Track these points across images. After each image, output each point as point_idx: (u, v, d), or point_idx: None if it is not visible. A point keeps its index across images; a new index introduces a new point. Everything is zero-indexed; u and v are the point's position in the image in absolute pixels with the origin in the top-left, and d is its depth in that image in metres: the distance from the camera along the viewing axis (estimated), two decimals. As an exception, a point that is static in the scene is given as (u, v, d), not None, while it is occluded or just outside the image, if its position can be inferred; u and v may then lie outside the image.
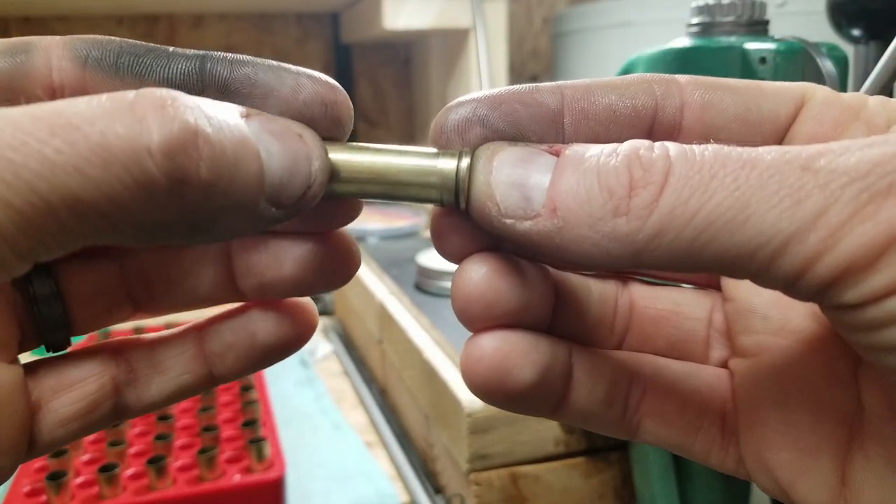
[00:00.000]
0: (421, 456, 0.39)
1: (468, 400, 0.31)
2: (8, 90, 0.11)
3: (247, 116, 0.10)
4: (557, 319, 0.14)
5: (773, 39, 0.27)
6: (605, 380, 0.13)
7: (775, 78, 0.26)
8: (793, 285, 0.10)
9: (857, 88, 0.24)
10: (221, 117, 0.09)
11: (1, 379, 0.12)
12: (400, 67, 0.89)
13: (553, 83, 0.13)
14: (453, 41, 0.68)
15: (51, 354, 0.14)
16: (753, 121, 0.13)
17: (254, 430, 0.35)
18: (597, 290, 0.14)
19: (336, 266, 0.14)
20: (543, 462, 0.32)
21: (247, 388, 0.40)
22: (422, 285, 0.44)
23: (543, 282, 0.13)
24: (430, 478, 0.37)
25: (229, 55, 0.12)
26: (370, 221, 0.65)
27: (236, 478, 0.32)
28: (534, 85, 0.12)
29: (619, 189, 0.10)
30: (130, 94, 0.09)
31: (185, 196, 0.09)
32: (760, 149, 0.10)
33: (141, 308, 0.14)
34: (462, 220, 0.12)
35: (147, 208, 0.09)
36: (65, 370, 0.13)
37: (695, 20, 0.29)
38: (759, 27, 0.28)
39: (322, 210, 0.12)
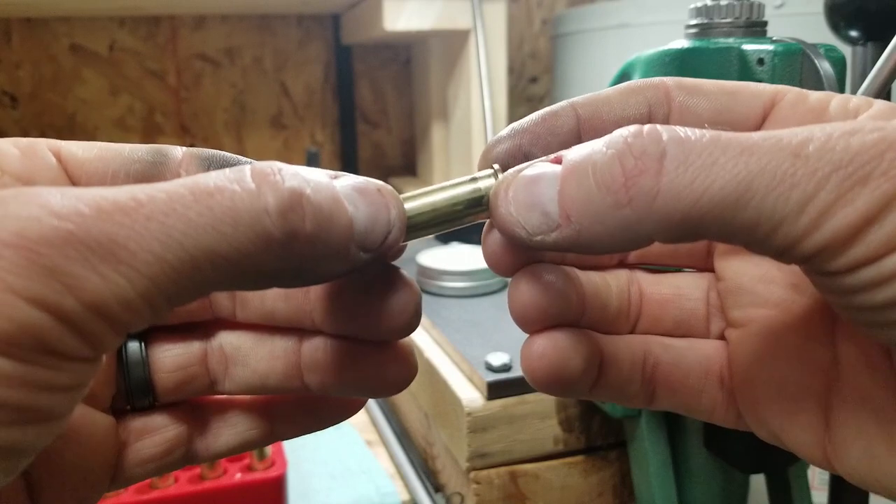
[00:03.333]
0: (421, 454, 0.39)
1: (468, 399, 0.31)
2: (144, 179, 0.14)
3: (335, 178, 0.12)
4: (587, 314, 0.16)
5: (771, 41, 0.27)
6: (627, 361, 0.16)
7: (773, 79, 0.26)
8: (783, 254, 0.11)
9: (856, 89, 0.25)
10: (317, 180, 0.11)
11: (97, 424, 0.14)
12: (400, 68, 0.89)
13: (566, 103, 0.15)
14: (453, 42, 0.68)
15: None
16: (724, 122, 0.14)
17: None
18: (615, 285, 0.16)
19: (395, 375, 0.15)
20: (542, 460, 0.32)
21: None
22: (422, 285, 0.45)
23: (576, 285, 0.15)
24: (430, 476, 0.37)
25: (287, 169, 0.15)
26: None
27: (237, 476, 0.32)
28: (552, 111, 0.15)
29: (613, 183, 0.11)
30: (247, 168, 0.11)
31: (295, 246, 0.11)
32: (755, 135, 0.11)
33: (217, 387, 0.16)
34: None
35: (266, 258, 0.11)
36: (150, 417, 0.15)
37: (693, 21, 0.29)
38: (757, 28, 0.28)
39: (379, 320, 0.14)
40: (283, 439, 0.17)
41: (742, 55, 0.27)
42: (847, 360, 0.14)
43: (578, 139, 0.14)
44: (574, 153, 0.12)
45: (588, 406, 0.32)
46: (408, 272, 0.15)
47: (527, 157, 0.14)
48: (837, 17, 0.34)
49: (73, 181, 0.14)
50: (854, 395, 0.13)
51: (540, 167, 0.13)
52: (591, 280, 0.16)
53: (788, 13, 0.50)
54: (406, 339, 0.15)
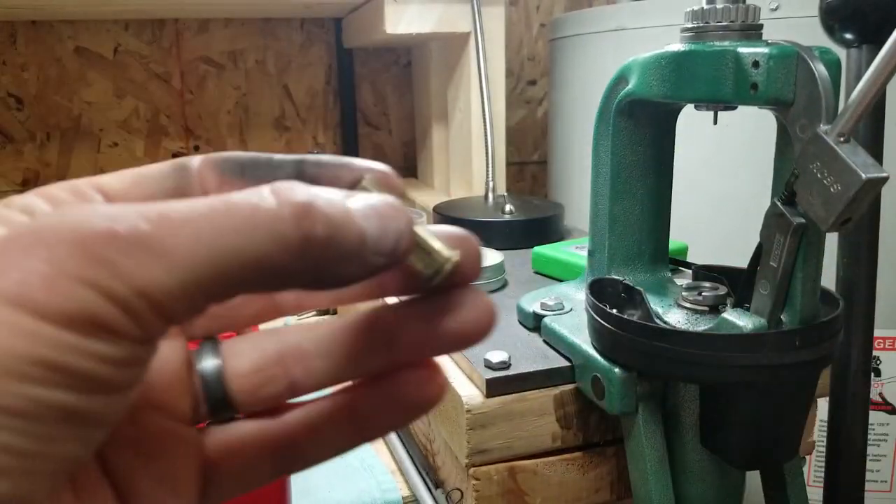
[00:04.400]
0: (421, 451, 0.39)
1: (467, 396, 0.31)
2: (177, 195, 0.16)
3: (350, 195, 0.14)
4: None
5: (766, 44, 0.27)
6: None
7: (769, 81, 0.26)
8: None
9: (850, 92, 0.25)
10: (327, 195, 0.13)
11: (179, 436, 0.15)
12: (401, 71, 0.90)
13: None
14: (453, 45, 0.69)
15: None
16: None
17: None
18: None
19: (480, 320, 0.16)
20: (541, 457, 0.32)
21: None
22: (422, 285, 0.45)
23: None
24: (430, 472, 0.37)
25: (316, 158, 0.16)
26: None
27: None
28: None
29: None
30: (267, 187, 0.13)
31: (310, 250, 0.12)
32: None
33: (298, 388, 0.16)
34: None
35: (285, 259, 0.12)
36: (233, 429, 0.16)
37: (688, 25, 0.29)
38: (752, 31, 0.29)
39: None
40: (372, 440, 0.17)
41: (737, 58, 0.27)
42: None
43: None
44: None
45: (586, 403, 0.32)
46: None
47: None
48: (832, 20, 0.34)
49: None
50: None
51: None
52: None
53: (783, 16, 0.50)
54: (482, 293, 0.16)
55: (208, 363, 0.16)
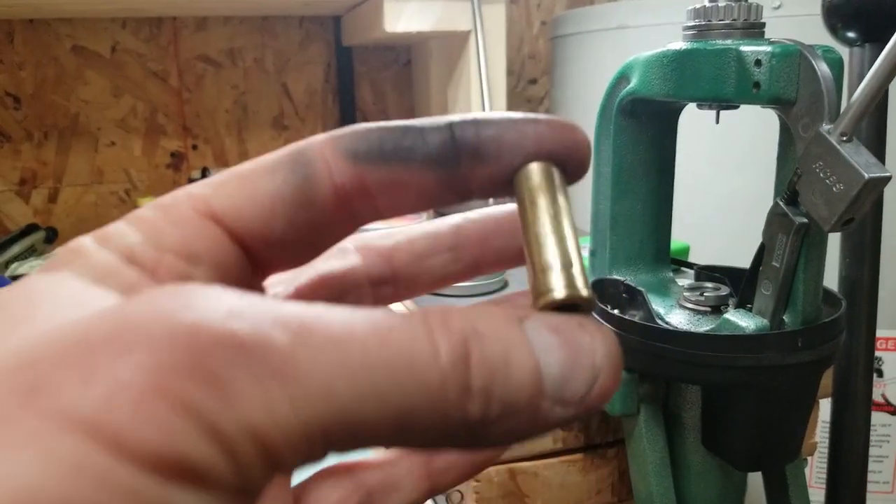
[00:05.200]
0: (421, 453, 0.39)
1: (468, 397, 0.31)
2: (304, 203, 0.12)
3: (524, 318, 0.10)
4: None
5: (768, 42, 0.27)
6: None
7: (771, 80, 0.26)
8: None
9: (853, 90, 0.25)
10: (489, 323, 0.10)
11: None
12: (400, 70, 0.90)
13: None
14: (453, 44, 0.69)
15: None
16: None
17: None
18: None
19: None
20: (541, 458, 0.32)
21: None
22: (422, 285, 0.45)
23: None
24: (430, 475, 0.37)
25: (473, 117, 0.12)
26: (371, 223, 0.66)
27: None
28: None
29: None
30: (419, 315, 0.10)
31: (465, 404, 0.09)
32: None
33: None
34: None
35: (433, 416, 0.09)
36: (315, 493, 0.14)
37: (691, 23, 0.29)
38: (754, 30, 0.28)
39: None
40: (442, 493, 0.16)
41: (739, 56, 0.27)
42: None
43: None
44: None
45: (587, 404, 0.32)
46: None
47: None
48: (835, 19, 0.34)
49: (237, 236, 0.12)
50: None
51: None
52: None
53: (786, 15, 0.50)
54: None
55: None
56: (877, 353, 0.39)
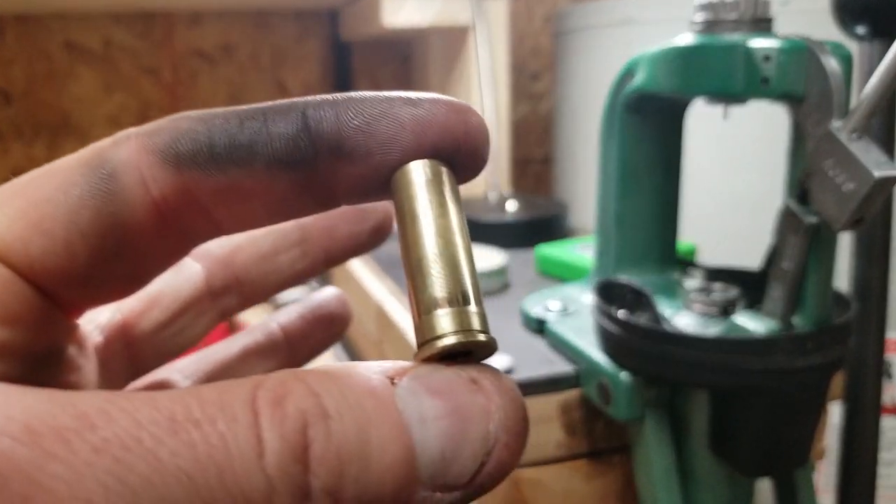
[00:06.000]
0: (421, 457, 0.38)
1: (469, 402, 0.31)
2: (111, 228, 0.09)
3: (397, 377, 0.08)
4: None
5: (777, 37, 0.27)
6: None
7: (780, 75, 0.26)
8: None
9: (862, 86, 0.24)
10: (341, 394, 0.07)
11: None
12: (399, 65, 0.89)
13: None
14: (453, 39, 0.68)
15: None
16: None
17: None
18: None
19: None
20: (544, 465, 0.31)
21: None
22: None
23: None
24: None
25: (332, 98, 0.09)
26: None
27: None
28: None
29: None
30: (244, 394, 0.07)
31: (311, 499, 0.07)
32: None
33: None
34: None
35: None
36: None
37: (698, 18, 0.29)
38: (762, 25, 0.28)
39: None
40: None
41: (747, 52, 0.26)
42: None
43: None
44: None
45: (591, 409, 0.31)
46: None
47: None
48: (844, 14, 0.33)
49: (27, 276, 0.09)
50: None
51: None
52: None
53: (794, 9, 0.49)
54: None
55: None
56: (887, 356, 0.38)
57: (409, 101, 0.09)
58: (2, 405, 0.07)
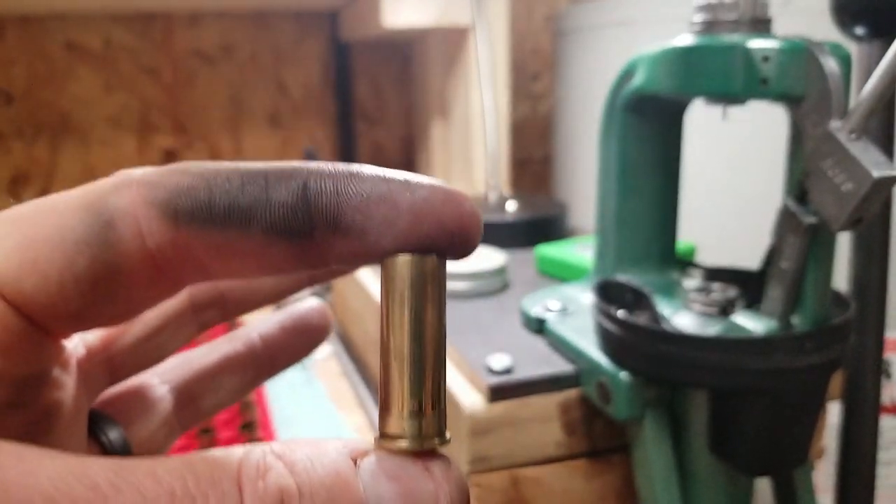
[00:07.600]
0: (421, 457, 0.38)
1: (469, 402, 0.31)
2: (106, 276, 0.09)
3: (361, 457, 0.09)
4: None
5: (776, 38, 0.27)
6: None
7: (779, 76, 0.26)
8: None
9: (861, 87, 0.24)
10: (313, 471, 0.08)
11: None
12: (399, 66, 0.89)
13: None
14: (453, 39, 0.68)
15: None
16: None
17: (252, 433, 0.35)
18: None
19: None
20: (544, 464, 0.31)
21: (245, 390, 0.40)
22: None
23: None
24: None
25: (333, 173, 0.09)
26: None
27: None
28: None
29: None
30: (229, 469, 0.08)
31: None
32: None
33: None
34: None
35: None
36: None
37: (697, 18, 0.29)
38: (761, 25, 0.28)
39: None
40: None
41: (747, 53, 0.27)
42: None
43: None
44: None
45: (591, 409, 0.31)
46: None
47: None
48: (843, 14, 0.33)
49: (17, 308, 0.09)
50: None
51: None
52: None
53: (793, 10, 0.49)
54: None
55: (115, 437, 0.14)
56: (886, 356, 0.38)
57: (408, 186, 0.10)
58: (30, 471, 0.07)
